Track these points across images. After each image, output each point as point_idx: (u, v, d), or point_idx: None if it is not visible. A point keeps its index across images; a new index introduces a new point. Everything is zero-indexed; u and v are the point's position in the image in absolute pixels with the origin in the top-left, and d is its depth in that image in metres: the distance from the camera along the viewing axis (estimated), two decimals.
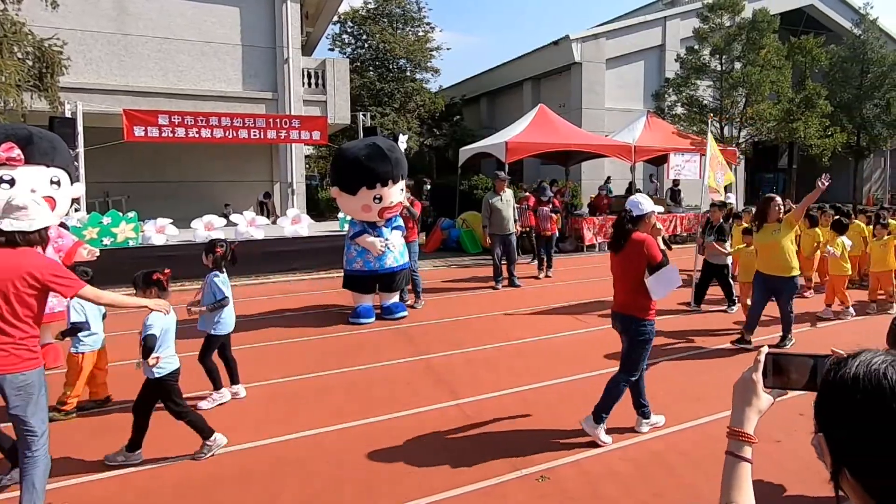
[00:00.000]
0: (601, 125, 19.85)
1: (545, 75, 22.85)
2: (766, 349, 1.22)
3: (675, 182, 15.55)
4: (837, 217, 8.42)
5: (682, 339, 6.51)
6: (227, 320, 4.94)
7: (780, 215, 6.14)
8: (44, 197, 5.57)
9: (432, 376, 5.40)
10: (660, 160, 15.66)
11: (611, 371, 5.32)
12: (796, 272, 5.95)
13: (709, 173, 8.69)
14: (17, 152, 5.43)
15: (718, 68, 17.49)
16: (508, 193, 9.87)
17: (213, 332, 4.86)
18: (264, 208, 16.93)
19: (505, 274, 9.76)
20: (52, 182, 5.73)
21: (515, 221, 9.88)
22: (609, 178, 17.13)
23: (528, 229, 11.26)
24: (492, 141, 14.43)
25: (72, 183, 6.06)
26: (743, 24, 17.08)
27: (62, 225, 6.73)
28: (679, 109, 18.48)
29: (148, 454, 3.85)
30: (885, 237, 7.98)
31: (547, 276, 10.47)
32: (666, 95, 19.13)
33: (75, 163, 10.91)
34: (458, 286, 9.81)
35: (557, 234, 11.11)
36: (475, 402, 4.74)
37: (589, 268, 11.50)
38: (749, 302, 6.59)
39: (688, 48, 18.35)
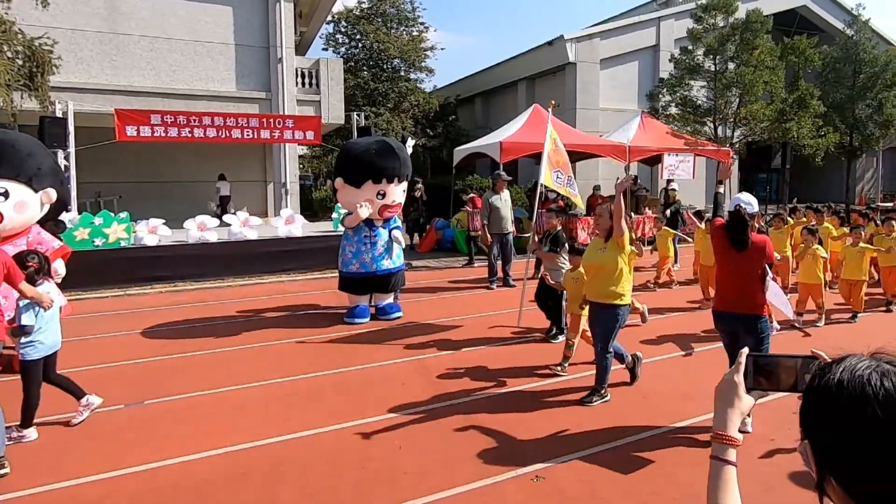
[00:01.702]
0: (595, 125, 19.91)
1: (540, 75, 22.90)
2: (746, 350, 1.22)
3: (669, 182, 15.61)
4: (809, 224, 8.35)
5: (669, 339, 6.54)
6: (46, 342, 4.24)
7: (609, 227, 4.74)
8: None
9: (427, 376, 5.40)
10: (654, 160, 15.75)
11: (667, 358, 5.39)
12: (621, 300, 4.62)
13: (545, 173, 7.27)
14: None
15: (712, 69, 17.56)
16: (507, 193, 9.95)
17: (26, 357, 4.14)
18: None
19: (500, 274, 9.79)
20: None
21: (511, 221, 9.95)
22: (637, 177, 16.87)
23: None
24: (486, 141, 14.45)
25: (36, 191, 5.80)
26: (736, 25, 17.16)
27: (58, 226, 6.68)
28: (673, 110, 18.55)
29: (142, 457, 3.83)
30: (861, 245, 7.61)
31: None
32: (660, 96, 19.20)
33: (65, 162, 10.90)
34: (452, 286, 9.82)
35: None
36: (469, 402, 4.75)
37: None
38: None
39: (682, 48, 18.42)
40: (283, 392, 5.08)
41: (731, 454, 1.16)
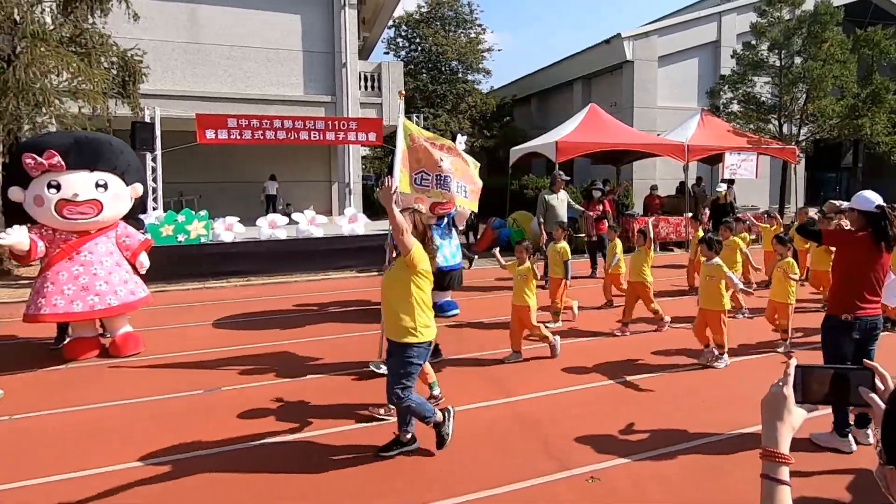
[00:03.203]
0: (653, 124, 19.31)
1: (596, 74, 22.39)
2: (794, 362, 1.14)
3: (730, 182, 14.94)
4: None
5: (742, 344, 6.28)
6: None
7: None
8: (88, 199, 5.75)
9: (482, 374, 5.41)
10: (714, 159, 15.10)
11: (664, 374, 5.25)
12: (412, 336, 3.61)
13: (398, 177, 5.78)
14: (57, 160, 5.59)
15: (777, 64, 16.68)
16: (564, 193, 9.85)
17: None
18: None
19: (542, 277, 9.69)
20: (97, 185, 5.84)
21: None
22: (700, 178, 16.32)
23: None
24: (542, 141, 14.26)
25: (127, 184, 6.11)
26: (804, 18, 16.20)
27: (138, 224, 7.07)
28: (735, 107, 17.74)
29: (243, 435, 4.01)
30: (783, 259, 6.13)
31: (591, 276, 10.40)
32: (721, 93, 18.37)
33: (153, 164, 11.55)
34: (508, 284, 9.74)
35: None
36: (525, 401, 4.71)
37: None
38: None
39: (744, 44, 17.56)
40: (335, 384, 5.17)
41: (784, 473, 1.07)
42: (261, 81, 16.69)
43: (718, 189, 13.06)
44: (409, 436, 3.84)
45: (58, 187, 5.64)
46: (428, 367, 4.50)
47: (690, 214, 13.04)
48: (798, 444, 3.39)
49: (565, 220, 9.75)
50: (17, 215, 5.87)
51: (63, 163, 5.62)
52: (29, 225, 5.85)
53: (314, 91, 17.31)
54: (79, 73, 10.18)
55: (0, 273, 10.49)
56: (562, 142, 12.77)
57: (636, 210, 14.77)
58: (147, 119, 11.53)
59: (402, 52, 25.25)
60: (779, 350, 5.97)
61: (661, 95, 20.57)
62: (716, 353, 5.51)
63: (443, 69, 24.31)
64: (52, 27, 10.40)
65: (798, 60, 16.42)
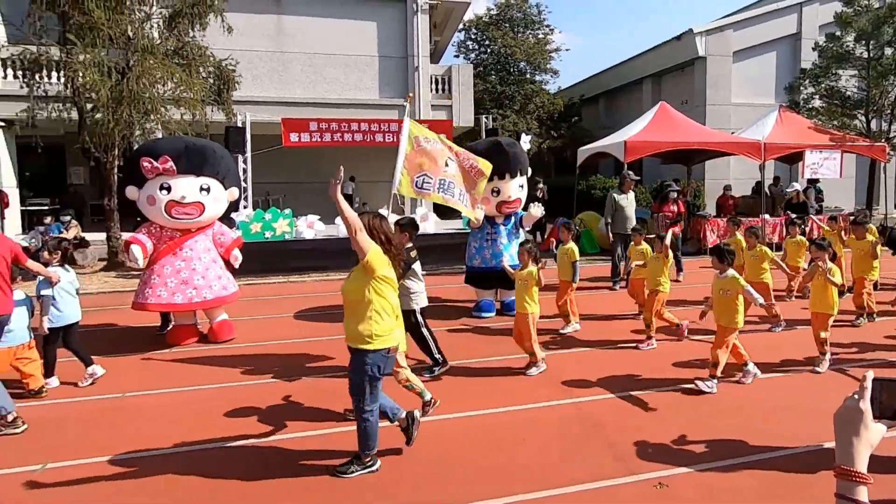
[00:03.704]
0: (727, 122, 18.35)
1: (666, 72, 21.50)
2: (871, 375, 1.03)
3: (811, 182, 13.96)
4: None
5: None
6: (62, 314, 5.09)
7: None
8: (193, 202, 6.09)
9: (548, 373, 5.36)
10: (793, 158, 14.14)
11: (726, 382, 5.00)
12: (366, 343, 3.38)
13: (399, 179, 5.91)
14: (170, 164, 5.96)
15: (865, 55, 15.39)
16: (632, 194, 9.56)
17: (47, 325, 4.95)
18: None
19: (623, 275, 9.40)
20: (201, 189, 6.18)
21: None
22: (778, 177, 15.47)
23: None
24: (610, 140, 13.87)
25: (226, 188, 6.42)
26: (895, 6, 14.87)
27: (230, 223, 7.48)
28: (817, 102, 16.55)
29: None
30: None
31: (676, 280, 9.71)
32: (801, 88, 17.21)
33: (244, 165, 12.16)
34: (575, 285, 9.58)
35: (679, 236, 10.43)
36: (589, 403, 4.64)
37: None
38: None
39: (828, 35, 16.33)
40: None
41: (862, 493, 0.98)
42: (339, 86, 17.18)
43: (790, 189, 12.26)
44: (402, 414, 3.75)
45: (168, 189, 6.05)
46: (412, 376, 4.29)
47: (768, 216, 12.33)
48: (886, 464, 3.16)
49: (634, 220, 9.46)
50: (130, 211, 6.39)
51: (174, 167, 6.02)
52: (141, 227, 6.33)
53: (388, 94, 17.63)
54: (181, 82, 10.86)
55: (113, 265, 11.41)
56: (630, 141, 12.38)
57: (708, 211, 14.10)
58: (239, 124, 12.13)
59: (472, 55, 25.23)
60: (818, 370, 5.21)
61: (736, 92, 19.50)
62: (756, 372, 4.98)
63: (511, 70, 24.09)
64: (158, 41, 11.13)
65: (889, 51, 15.09)
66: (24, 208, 15.81)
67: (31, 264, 4.81)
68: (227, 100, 12.39)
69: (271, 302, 8.61)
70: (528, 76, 24.20)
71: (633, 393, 4.81)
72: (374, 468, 3.53)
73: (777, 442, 3.89)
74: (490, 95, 23.05)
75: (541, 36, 25.14)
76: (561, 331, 6.66)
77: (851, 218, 8.13)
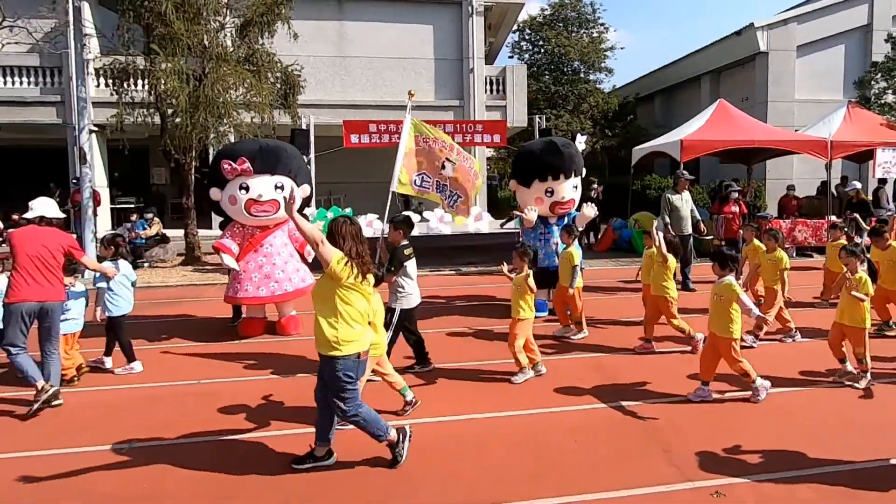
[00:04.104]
0: (790, 119, 17.39)
1: (726, 68, 20.56)
2: None
3: (882, 181, 13.05)
4: None
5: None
6: (121, 304, 5.42)
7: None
8: (269, 199, 6.28)
9: (601, 374, 5.28)
10: (863, 157, 13.25)
11: (806, 389, 4.78)
12: (338, 349, 3.33)
13: (398, 177, 5.96)
14: (247, 165, 6.17)
15: None
16: (688, 194, 9.23)
17: (112, 313, 5.38)
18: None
19: (678, 276, 9.11)
20: (276, 187, 6.36)
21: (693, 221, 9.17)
22: (846, 177, 14.55)
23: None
24: (666, 139, 13.43)
25: (298, 185, 6.57)
26: None
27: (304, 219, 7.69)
28: (890, 97, 15.44)
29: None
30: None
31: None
32: (872, 82, 16.09)
33: (308, 166, 12.51)
34: (628, 286, 9.38)
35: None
36: (642, 406, 4.53)
37: None
38: None
39: None
40: (455, 375, 5.28)
41: None
42: (397, 89, 17.39)
43: (848, 188, 11.49)
44: (324, 451, 3.59)
45: (247, 189, 6.30)
46: (395, 374, 4.30)
47: (834, 217, 11.62)
48: None
49: (689, 221, 9.15)
50: (209, 209, 6.70)
51: (251, 168, 6.27)
52: (225, 230, 6.67)
53: (444, 96, 17.72)
54: (251, 87, 11.30)
55: (191, 259, 12.03)
56: (687, 140, 11.95)
57: (769, 212, 13.43)
58: (303, 126, 12.49)
59: (526, 56, 24.95)
60: (857, 385, 4.85)
61: (800, 88, 18.43)
62: (712, 394, 4.61)
63: (565, 70, 23.66)
64: (231, 49, 11.61)
65: None
66: (113, 206, 16.91)
67: (86, 260, 5.09)
68: (293, 103, 12.76)
69: None
70: (581, 75, 23.70)
71: (686, 397, 4.66)
72: (404, 445, 3.57)
73: (837, 455, 3.70)
74: (544, 95, 22.74)
75: (595, 35, 24.55)
76: (572, 337, 6.37)
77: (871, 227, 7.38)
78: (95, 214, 11.75)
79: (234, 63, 11.29)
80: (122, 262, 5.53)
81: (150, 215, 12.26)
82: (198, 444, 3.98)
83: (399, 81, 17.41)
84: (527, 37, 24.95)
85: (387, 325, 4.96)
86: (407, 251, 5.07)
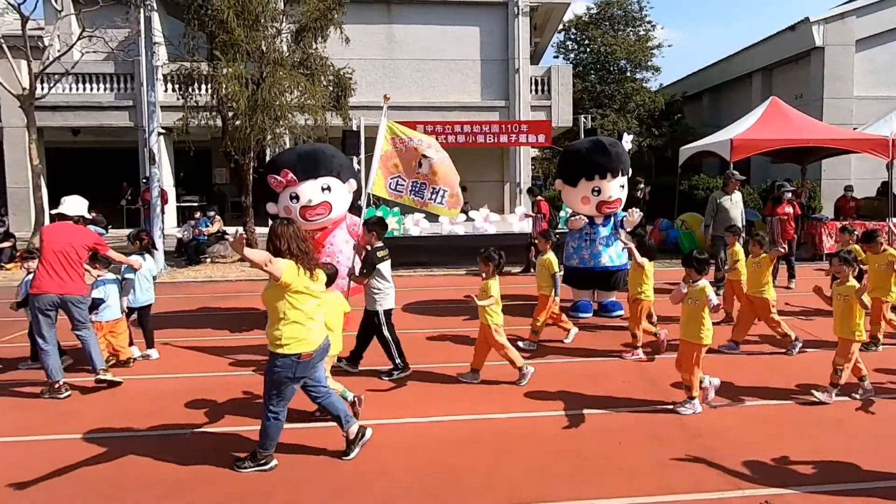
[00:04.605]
0: (847, 117, 16.44)
1: (778, 65, 19.60)
2: None
3: None
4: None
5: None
6: (138, 296, 5.74)
7: None
8: (320, 202, 6.24)
9: (646, 377, 5.18)
10: None
11: (850, 399, 4.53)
12: (279, 347, 3.44)
13: (374, 179, 5.93)
14: (291, 176, 6.16)
15: None
16: (738, 195, 8.86)
17: (132, 304, 5.69)
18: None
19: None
20: (322, 189, 6.31)
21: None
22: None
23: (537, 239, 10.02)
24: (715, 138, 12.92)
25: (343, 182, 6.50)
26: None
27: (358, 212, 7.79)
28: None
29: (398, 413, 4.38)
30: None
31: (788, 288, 8.89)
32: None
33: (358, 167, 12.68)
34: (674, 288, 9.10)
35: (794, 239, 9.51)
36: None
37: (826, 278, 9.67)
38: None
39: None
40: (499, 374, 5.23)
41: None
42: (443, 90, 17.45)
43: None
44: (355, 430, 3.72)
45: (297, 197, 6.31)
46: (333, 383, 4.16)
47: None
48: None
49: (740, 223, 8.78)
50: (273, 218, 6.86)
51: (295, 178, 6.35)
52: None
53: (489, 97, 17.65)
54: (305, 91, 11.54)
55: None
56: (737, 139, 11.45)
57: (825, 214, 12.76)
58: (354, 128, 12.70)
59: (571, 55, 24.55)
60: (818, 396, 4.50)
61: (859, 84, 17.38)
62: (711, 391, 4.45)
63: (611, 69, 23.15)
64: (287, 54, 11.92)
65: None
66: (178, 205, 17.69)
67: (112, 254, 5.39)
68: (345, 105, 12.95)
69: None
70: (628, 74, 23.13)
71: (732, 403, 4.52)
72: (266, 467, 3.56)
73: (894, 468, 3.51)
74: (589, 95, 22.33)
75: (642, 33, 23.90)
76: (520, 344, 5.90)
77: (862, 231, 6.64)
78: (163, 212, 12.31)
79: (290, 67, 11.57)
80: (147, 257, 5.88)
81: (212, 213, 12.75)
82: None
83: (446, 83, 17.46)
84: (572, 36, 24.54)
85: (371, 331, 5.05)
86: (381, 253, 5.07)
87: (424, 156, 5.99)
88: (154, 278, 5.89)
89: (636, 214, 7.14)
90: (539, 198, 10.56)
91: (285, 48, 12.09)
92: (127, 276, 5.64)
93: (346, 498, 3.29)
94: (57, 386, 4.85)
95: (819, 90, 17.43)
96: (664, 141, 22.22)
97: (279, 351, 3.42)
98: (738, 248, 6.52)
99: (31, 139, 12.83)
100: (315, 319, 3.55)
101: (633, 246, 5.89)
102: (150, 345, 5.85)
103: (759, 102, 13.98)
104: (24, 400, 4.85)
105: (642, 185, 13.37)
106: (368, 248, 5.17)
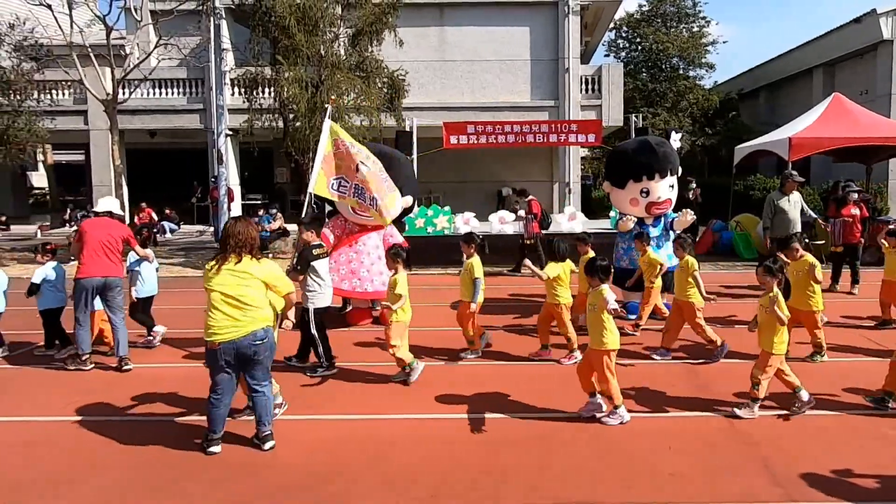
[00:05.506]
0: None
1: (841, 60, 18.42)
2: None
3: None
4: None
5: None
6: (146, 287, 6.09)
7: None
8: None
9: (694, 381, 5.02)
10: None
11: None
12: (206, 336, 3.68)
13: (315, 179, 5.89)
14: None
15: None
16: (797, 195, 8.41)
17: (137, 295, 6.00)
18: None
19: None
20: None
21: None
22: None
23: (531, 240, 9.81)
24: (772, 137, 12.29)
25: (403, 195, 6.69)
26: None
27: (401, 227, 7.85)
28: None
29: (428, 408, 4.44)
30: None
31: (851, 293, 8.44)
32: None
33: (414, 173, 12.79)
34: (728, 292, 8.74)
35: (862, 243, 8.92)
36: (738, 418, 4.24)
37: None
38: None
39: None
40: (537, 373, 5.21)
41: None
42: (494, 90, 17.36)
43: None
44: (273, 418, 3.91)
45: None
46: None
47: None
48: None
49: (798, 225, 8.35)
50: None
51: None
52: (328, 221, 7.00)
53: (539, 96, 17.43)
54: (361, 92, 11.74)
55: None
56: (796, 138, 10.87)
57: (892, 216, 11.92)
58: (407, 128, 12.83)
59: (622, 53, 23.87)
60: (738, 413, 4.22)
61: None
62: (603, 405, 4.19)
63: (663, 67, 22.35)
64: (344, 57, 12.16)
65: None
66: (243, 202, 18.43)
67: (138, 249, 5.90)
68: (398, 107, 13.07)
69: (427, 292, 9.02)
70: (681, 72, 22.28)
71: (787, 413, 4.31)
72: (210, 450, 3.67)
73: None
74: (640, 94, 21.67)
75: (695, 29, 22.95)
76: (461, 355, 5.65)
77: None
78: (230, 209, 12.87)
79: (347, 70, 11.80)
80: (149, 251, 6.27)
81: (274, 211, 13.21)
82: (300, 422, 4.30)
83: (496, 83, 17.37)
84: (623, 34, 23.87)
85: (303, 326, 5.01)
86: (316, 251, 5.11)
87: (362, 162, 5.97)
88: (156, 270, 6.34)
89: (690, 216, 6.90)
90: (531, 198, 10.43)
91: (342, 52, 12.34)
92: (135, 268, 6.05)
93: (398, 487, 3.38)
94: (84, 358, 5.31)
95: (886, 86, 16.28)
96: (718, 140, 21.29)
97: (207, 339, 3.62)
98: (476, 258, 5.67)
99: (114, 141, 13.66)
100: (225, 307, 3.60)
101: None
102: (150, 330, 6.12)
103: (821, 99, 13.20)
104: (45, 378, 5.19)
105: (693, 186, 12.88)
106: (305, 245, 5.22)
